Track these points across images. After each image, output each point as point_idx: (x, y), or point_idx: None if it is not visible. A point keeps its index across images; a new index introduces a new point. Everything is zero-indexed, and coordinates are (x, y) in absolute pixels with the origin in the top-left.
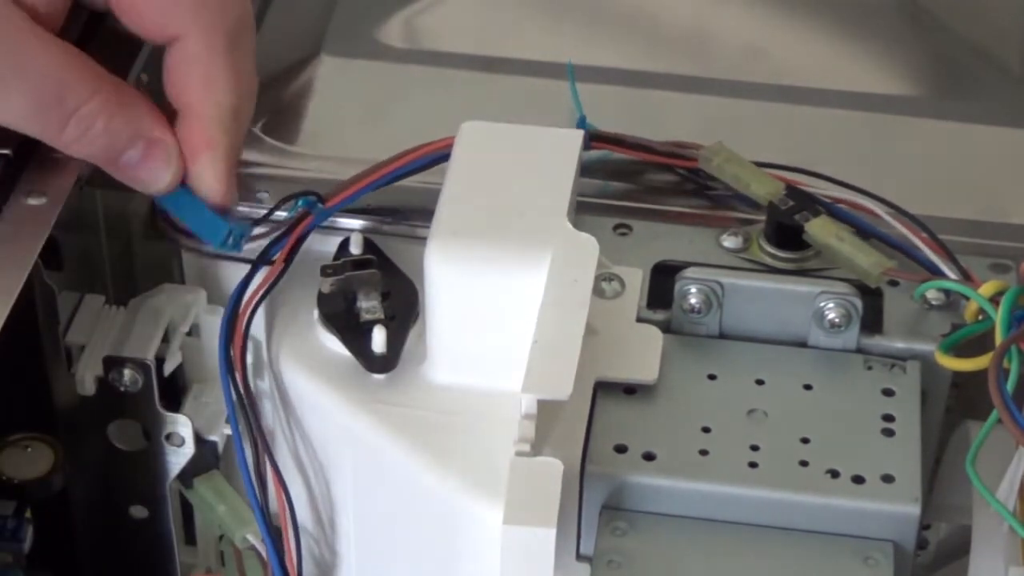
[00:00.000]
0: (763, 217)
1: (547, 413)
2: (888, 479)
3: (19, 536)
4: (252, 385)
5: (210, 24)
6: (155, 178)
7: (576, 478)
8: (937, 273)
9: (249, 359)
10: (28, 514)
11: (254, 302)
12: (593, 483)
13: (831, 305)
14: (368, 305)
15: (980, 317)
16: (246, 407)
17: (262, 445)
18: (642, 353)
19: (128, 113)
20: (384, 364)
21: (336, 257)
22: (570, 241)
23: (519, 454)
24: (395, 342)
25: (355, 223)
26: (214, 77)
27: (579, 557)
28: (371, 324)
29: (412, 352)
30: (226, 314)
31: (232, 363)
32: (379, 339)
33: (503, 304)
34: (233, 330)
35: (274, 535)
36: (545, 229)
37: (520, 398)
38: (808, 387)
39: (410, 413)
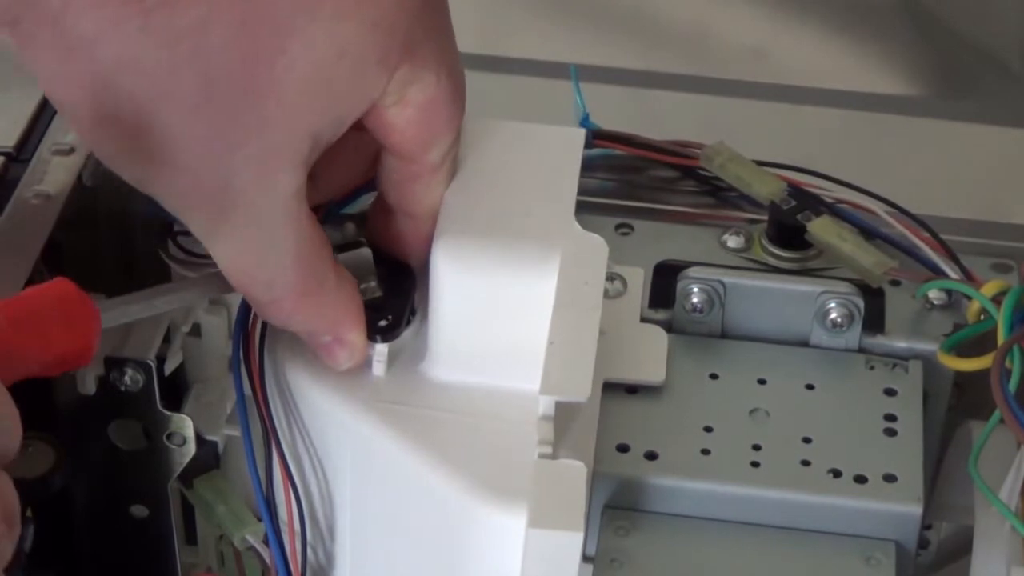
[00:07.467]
0: (765, 217)
1: (562, 415)
2: (890, 479)
3: (20, 535)
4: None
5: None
6: (334, 363)
7: (590, 480)
8: (939, 273)
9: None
10: (28, 513)
11: None
12: (596, 483)
13: (833, 305)
14: (364, 287)
15: (982, 317)
16: (259, 401)
17: (274, 439)
18: (648, 353)
19: (327, 314)
20: (387, 334)
21: None
22: (579, 242)
23: (542, 456)
24: (396, 315)
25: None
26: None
27: (582, 557)
28: (370, 303)
29: (412, 350)
30: (241, 307)
31: (250, 356)
32: (378, 315)
33: (509, 303)
34: (249, 325)
35: (279, 532)
36: (554, 229)
37: (538, 400)
38: (810, 387)
39: (411, 411)
